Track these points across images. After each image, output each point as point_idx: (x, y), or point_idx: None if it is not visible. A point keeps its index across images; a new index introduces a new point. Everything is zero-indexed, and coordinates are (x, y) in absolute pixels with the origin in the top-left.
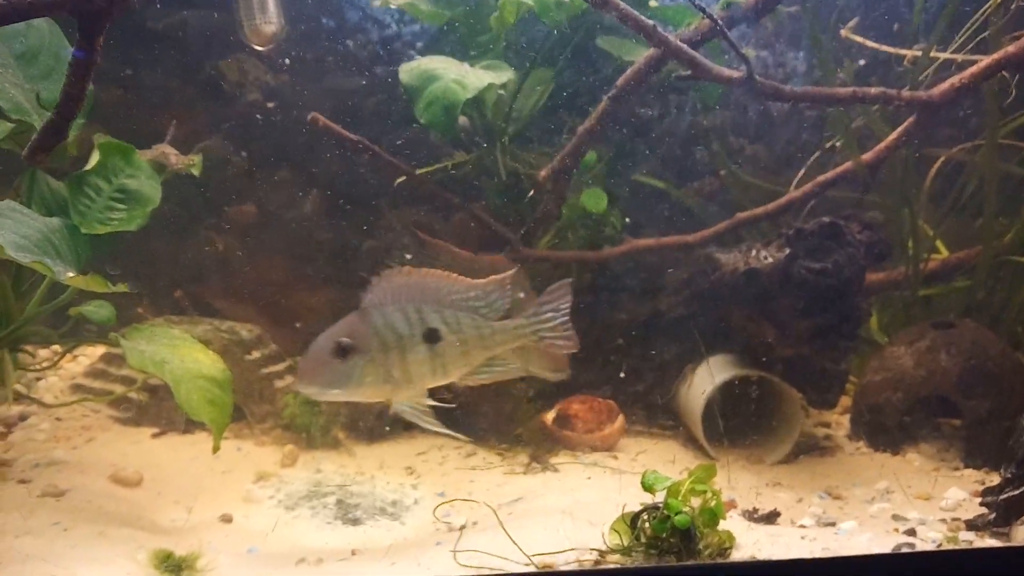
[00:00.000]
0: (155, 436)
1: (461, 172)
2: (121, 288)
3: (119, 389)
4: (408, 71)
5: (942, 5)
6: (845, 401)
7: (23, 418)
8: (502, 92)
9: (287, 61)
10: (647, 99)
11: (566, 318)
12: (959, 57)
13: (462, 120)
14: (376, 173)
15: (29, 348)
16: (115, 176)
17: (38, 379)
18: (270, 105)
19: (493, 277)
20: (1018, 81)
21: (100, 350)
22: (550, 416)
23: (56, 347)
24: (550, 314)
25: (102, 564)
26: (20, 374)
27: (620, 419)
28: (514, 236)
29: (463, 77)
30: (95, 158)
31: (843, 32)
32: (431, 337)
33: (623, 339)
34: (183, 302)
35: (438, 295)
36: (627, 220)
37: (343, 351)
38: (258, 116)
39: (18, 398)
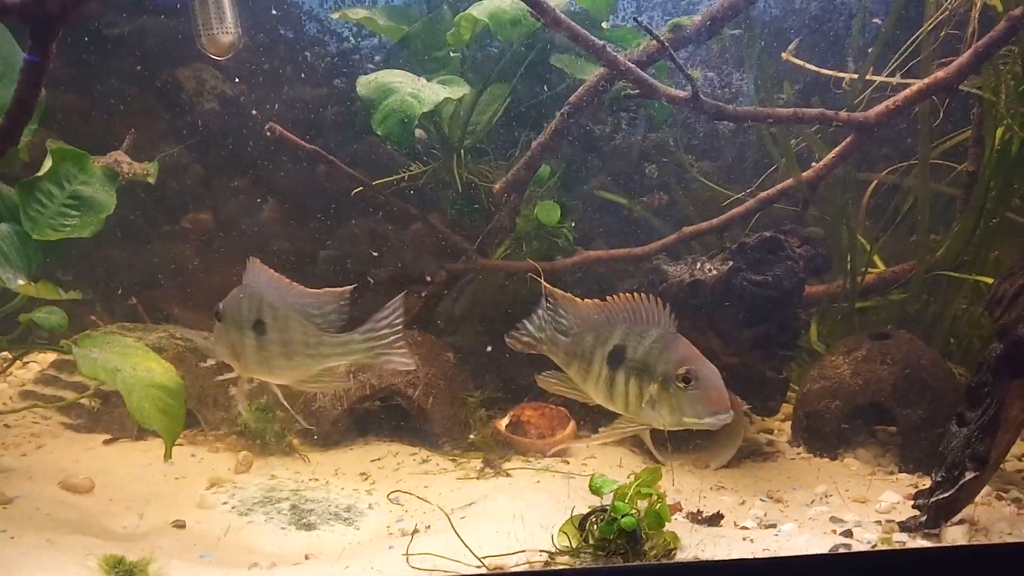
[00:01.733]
0: (107, 443)
1: (418, 184)
2: (73, 295)
3: (71, 395)
4: (365, 84)
5: (877, 31)
6: (787, 408)
7: None
8: (458, 106)
9: (235, 75)
10: (599, 116)
11: (399, 335)
12: (894, 80)
13: (419, 133)
14: (333, 183)
15: None
16: (68, 182)
17: None
18: (227, 114)
19: (329, 289)
20: (947, 104)
21: (51, 356)
22: (503, 422)
23: (6, 354)
24: (385, 331)
25: (50, 571)
26: None
27: (571, 425)
28: (469, 247)
29: (419, 91)
30: (48, 164)
31: (784, 55)
32: (258, 328)
33: None
34: (138, 309)
35: (279, 293)
36: (576, 230)
37: (216, 313)
38: (215, 125)
39: None
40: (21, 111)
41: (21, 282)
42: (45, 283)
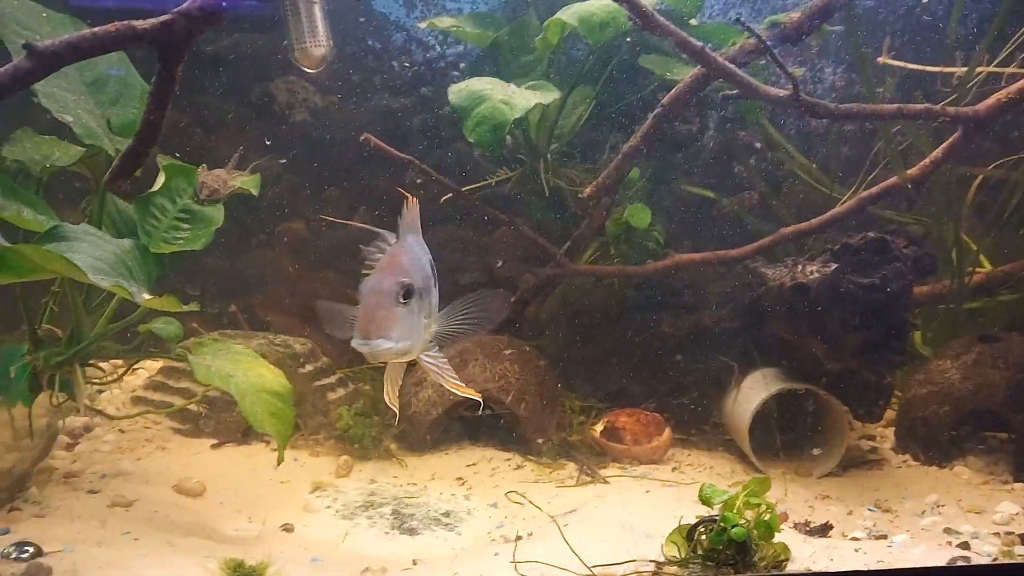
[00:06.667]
0: (214, 447)
1: (505, 188)
2: (192, 307)
3: (178, 401)
4: (457, 92)
5: (987, 19)
6: (888, 414)
7: (87, 429)
8: (545, 110)
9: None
10: (689, 115)
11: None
12: (1007, 71)
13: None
14: (423, 189)
15: (97, 363)
16: (179, 197)
17: (100, 391)
18: (319, 125)
19: None
20: None
21: (158, 363)
22: (598, 428)
23: (116, 361)
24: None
25: (174, 572)
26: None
27: (667, 431)
28: (558, 250)
29: (510, 98)
30: (161, 179)
31: (880, 60)
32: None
33: (668, 353)
34: (238, 317)
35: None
36: (666, 232)
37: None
38: (307, 136)
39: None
40: (150, 132)
41: (146, 296)
42: (169, 296)
